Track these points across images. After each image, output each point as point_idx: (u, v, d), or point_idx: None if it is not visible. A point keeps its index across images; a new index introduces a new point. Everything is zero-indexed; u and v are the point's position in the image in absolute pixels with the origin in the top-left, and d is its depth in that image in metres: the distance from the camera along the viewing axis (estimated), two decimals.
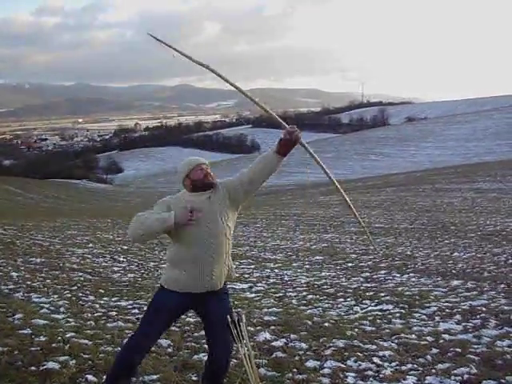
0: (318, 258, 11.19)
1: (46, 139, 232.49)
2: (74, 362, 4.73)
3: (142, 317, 3.98)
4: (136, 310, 6.78)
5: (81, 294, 7.77)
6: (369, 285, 8.36)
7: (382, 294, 7.51)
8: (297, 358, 4.95)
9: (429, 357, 4.87)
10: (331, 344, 5.32)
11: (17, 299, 7.25)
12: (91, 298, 7.60)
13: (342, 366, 4.73)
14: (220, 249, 3.71)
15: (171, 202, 3.72)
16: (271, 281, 9.06)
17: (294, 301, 7.43)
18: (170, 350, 5.21)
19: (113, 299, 7.54)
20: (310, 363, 4.79)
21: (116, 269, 10.22)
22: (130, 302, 7.30)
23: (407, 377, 4.43)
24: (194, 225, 3.59)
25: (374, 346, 5.22)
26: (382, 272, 9.33)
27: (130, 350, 3.80)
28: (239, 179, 3.79)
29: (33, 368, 4.56)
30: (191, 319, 6.20)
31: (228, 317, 3.75)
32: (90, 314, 6.61)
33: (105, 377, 4.02)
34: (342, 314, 6.64)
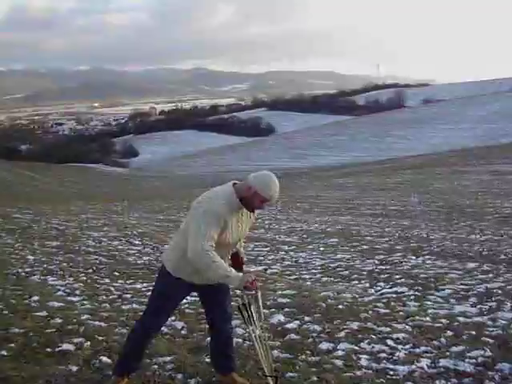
0: (332, 240, 11.16)
1: (61, 124, 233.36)
2: (88, 343, 4.79)
3: (149, 301, 4.00)
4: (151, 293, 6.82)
5: (96, 277, 7.83)
6: (383, 267, 8.33)
7: (397, 277, 7.47)
8: (310, 340, 4.96)
9: (443, 339, 4.84)
10: (345, 326, 5.31)
11: (33, 282, 7.34)
12: (106, 280, 7.66)
13: (356, 348, 4.72)
14: (232, 251, 3.85)
15: (227, 218, 3.56)
16: (286, 263, 9.06)
17: (308, 283, 7.42)
18: (183, 332, 5.25)
19: (128, 282, 7.60)
20: (324, 345, 4.79)
21: (131, 252, 10.27)
22: (145, 284, 7.34)
23: (421, 359, 4.41)
24: (233, 231, 3.62)
25: (388, 329, 5.20)
26: (398, 254, 9.28)
27: (140, 334, 3.87)
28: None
29: (48, 349, 4.62)
30: None
31: (239, 299, 3.78)
32: (105, 297, 6.67)
33: (116, 361, 4.07)
34: (357, 296, 6.62)
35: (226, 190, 3.62)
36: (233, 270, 3.55)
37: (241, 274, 3.59)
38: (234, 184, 3.65)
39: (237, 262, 3.91)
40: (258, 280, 3.61)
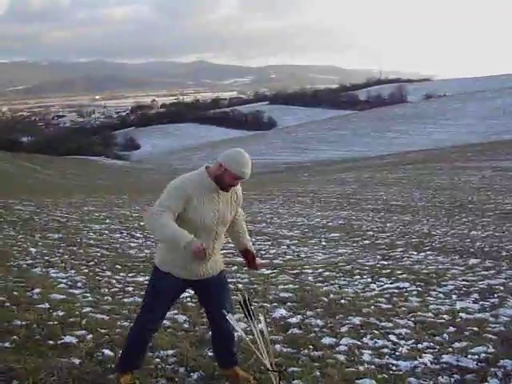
0: (334, 234, 11.16)
1: (63, 116, 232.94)
2: (90, 336, 4.78)
3: (143, 300, 3.95)
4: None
5: (98, 270, 7.83)
6: (385, 262, 8.33)
7: (399, 272, 7.47)
8: (313, 334, 4.96)
9: (445, 335, 4.85)
10: (347, 321, 5.31)
11: (35, 274, 7.33)
12: (108, 273, 7.66)
13: (358, 343, 4.73)
14: (221, 239, 3.79)
15: (192, 194, 3.53)
16: (287, 257, 9.06)
17: (310, 278, 7.43)
18: (186, 325, 5.24)
19: (129, 275, 7.60)
20: (326, 340, 4.79)
21: (133, 244, 10.28)
22: (147, 277, 7.30)
23: (423, 355, 4.41)
24: (204, 210, 3.56)
25: (391, 324, 5.21)
26: (399, 250, 9.29)
27: (138, 329, 3.84)
28: (239, 212, 3.92)
29: (51, 342, 4.61)
30: None
31: (239, 295, 3.76)
32: (106, 290, 6.67)
33: (119, 356, 4.06)
34: (359, 291, 6.62)
35: (199, 172, 3.67)
36: (185, 232, 3.43)
37: (192, 236, 3.42)
38: (207, 167, 3.67)
39: (248, 258, 3.91)
40: (206, 249, 3.41)
